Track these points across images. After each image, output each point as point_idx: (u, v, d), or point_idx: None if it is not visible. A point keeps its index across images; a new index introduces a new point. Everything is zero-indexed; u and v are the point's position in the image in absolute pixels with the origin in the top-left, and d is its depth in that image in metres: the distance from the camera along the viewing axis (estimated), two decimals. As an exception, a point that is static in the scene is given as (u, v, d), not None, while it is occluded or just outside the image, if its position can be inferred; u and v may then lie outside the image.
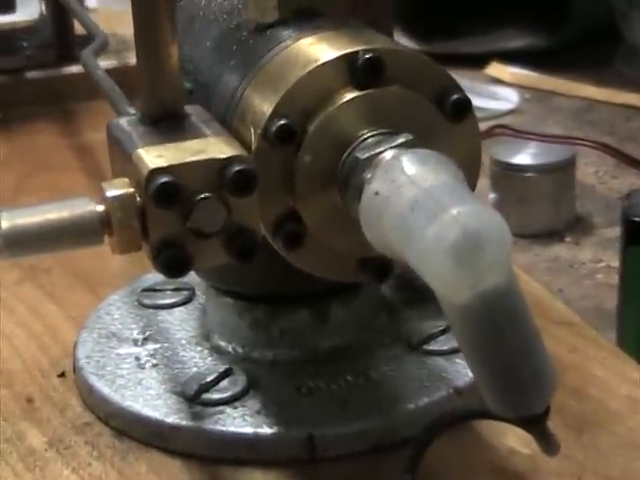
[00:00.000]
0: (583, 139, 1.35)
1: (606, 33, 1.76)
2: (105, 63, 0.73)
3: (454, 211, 0.32)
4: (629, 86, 1.65)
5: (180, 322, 0.51)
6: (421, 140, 0.38)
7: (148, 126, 0.41)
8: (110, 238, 0.38)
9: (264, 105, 0.39)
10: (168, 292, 0.53)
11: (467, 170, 0.37)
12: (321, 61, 0.39)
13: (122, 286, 0.54)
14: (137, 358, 0.48)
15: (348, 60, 0.39)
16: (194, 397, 0.45)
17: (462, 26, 1.84)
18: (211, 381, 0.45)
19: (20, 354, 0.52)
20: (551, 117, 1.59)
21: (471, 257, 0.32)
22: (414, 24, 1.80)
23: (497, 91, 1.68)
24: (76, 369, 0.49)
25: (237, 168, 0.37)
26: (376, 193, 0.36)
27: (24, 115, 0.86)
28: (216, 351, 0.48)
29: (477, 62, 1.73)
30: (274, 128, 0.39)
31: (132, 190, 0.38)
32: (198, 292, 0.53)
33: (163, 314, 0.52)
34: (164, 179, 0.37)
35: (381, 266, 0.41)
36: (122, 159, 0.40)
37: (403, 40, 1.69)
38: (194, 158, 0.38)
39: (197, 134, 0.40)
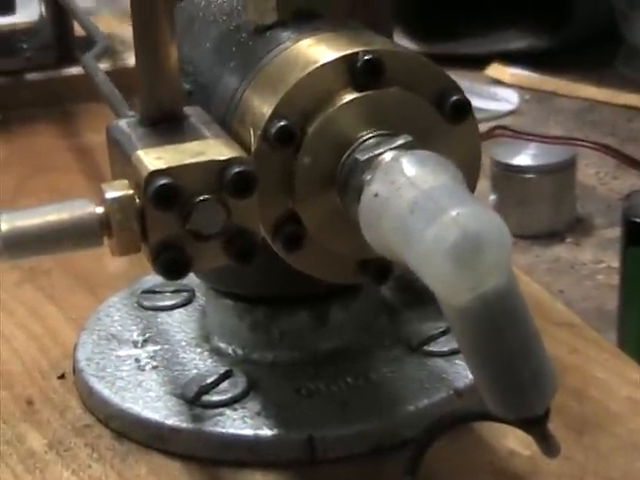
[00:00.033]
0: (584, 140, 1.35)
1: (607, 34, 1.76)
2: (105, 65, 0.73)
3: (454, 213, 0.32)
4: (630, 87, 1.65)
5: (180, 324, 0.51)
6: (421, 141, 0.38)
7: (147, 128, 0.41)
8: (109, 240, 0.38)
9: (264, 106, 0.39)
10: (168, 294, 0.53)
11: (467, 171, 0.37)
12: (320, 62, 0.39)
13: (122, 288, 0.54)
14: (137, 360, 0.48)
15: (347, 61, 0.39)
16: (194, 399, 0.45)
17: (462, 27, 1.84)
18: (211, 383, 0.45)
19: (20, 356, 0.52)
20: (552, 118, 1.59)
21: (471, 259, 0.32)
22: (414, 25, 1.80)
23: (497, 92, 1.68)
24: (76, 371, 0.49)
25: (237, 170, 0.37)
26: (376, 195, 0.36)
27: (24, 117, 0.86)
28: (216, 353, 0.48)
29: (477, 63, 1.73)
30: (274, 129, 0.39)
31: (131, 192, 0.38)
32: (198, 294, 0.53)
33: (163, 316, 0.52)
34: (163, 181, 0.37)
35: (381, 268, 0.41)
36: (121, 161, 0.40)
37: (403, 41, 1.69)
38: (193, 160, 0.38)
39: (196, 136, 0.40)
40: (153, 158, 0.38)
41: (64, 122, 0.87)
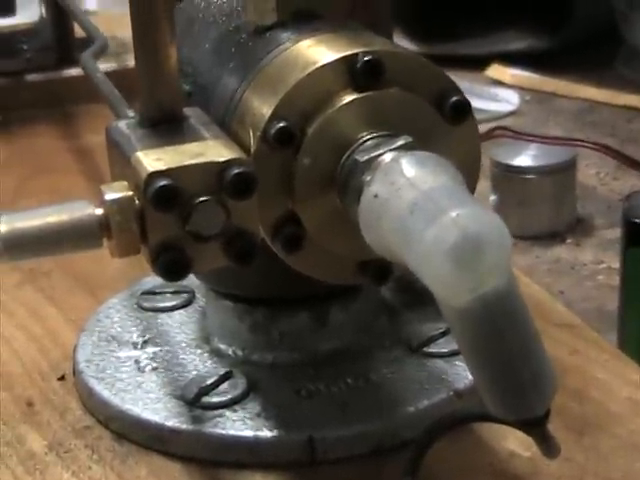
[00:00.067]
0: (584, 141, 1.35)
1: (607, 35, 1.76)
2: (104, 66, 0.73)
3: (453, 213, 0.32)
4: (630, 87, 1.65)
5: (180, 325, 0.51)
6: (420, 142, 0.38)
7: (147, 129, 0.41)
8: (109, 241, 0.38)
9: (263, 107, 0.39)
10: (168, 295, 0.53)
11: (467, 172, 0.37)
12: (320, 63, 0.39)
13: (122, 289, 0.54)
14: (137, 361, 0.48)
15: (347, 62, 0.39)
16: (194, 400, 0.45)
17: (461, 28, 1.84)
18: (211, 384, 0.45)
19: (20, 357, 0.52)
20: (552, 119, 1.59)
21: (471, 260, 0.32)
22: (414, 26, 1.80)
23: (497, 93, 1.68)
24: (76, 372, 0.49)
25: (236, 171, 0.37)
26: (375, 196, 0.36)
27: (24, 118, 0.86)
28: (216, 354, 0.48)
29: (477, 64, 1.73)
30: (273, 130, 0.39)
31: (131, 193, 0.38)
32: (198, 295, 0.53)
33: (163, 317, 0.52)
34: (163, 182, 0.37)
35: (380, 269, 0.41)
36: (121, 162, 0.40)
37: (403, 42, 1.69)
38: (193, 161, 0.38)
39: (196, 137, 0.40)
40: (153, 159, 0.38)
41: (64, 123, 0.87)
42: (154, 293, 0.53)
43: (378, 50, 0.39)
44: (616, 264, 1.04)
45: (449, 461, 0.43)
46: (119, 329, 0.51)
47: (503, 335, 0.34)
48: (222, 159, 0.38)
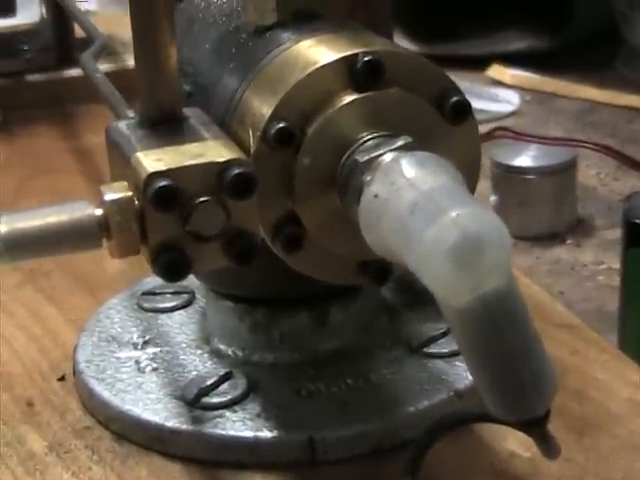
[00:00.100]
0: (584, 141, 1.35)
1: (607, 35, 1.76)
2: (104, 66, 0.73)
3: (453, 214, 0.32)
4: (630, 88, 1.65)
5: (180, 325, 0.51)
6: (420, 142, 0.38)
7: (147, 129, 0.41)
8: (109, 242, 0.38)
9: (263, 107, 0.39)
10: (168, 295, 0.53)
11: (467, 172, 0.37)
12: (320, 63, 0.39)
13: (122, 289, 0.54)
14: (137, 362, 0.48)
15: (347, 62, 0.39)
16: (194, 401, 0.45)
17: (462, 28, 1.84)
18: (211, 385, 0.45)
19: (20, 357, 0.52)
20: (552, 119, 1.59)
21: (471, 260, 0.32)
22: (414, 26, 1.80)
23: (498, 93, 1.68)
24: (76, 373, 0.49)
25: (236, 171, 0.37)
26: (375, 196, 0.36)
27: (24, 118, 0.86)
28: (216, 354, 0.48)
29: (478, 64, 1.73)
30: (273, 131, 0.39)
31: (131, 194, 0.38)
32: (198, 295, 0.53)
33: (163, 317, 0.52)
34: (163, 183, 0.37)
35: (381, 269, 0.41)
36: (121, 162, 0.40)
37: (403, 42, 1.69)
38: (193, 161, 0.38)
39: (196, 137, 0.40)
40: (152, 160, 0.38)
41: (64, 123, 0.87)
42: (154, 294, 0.53)
43: (378, 50, 0.39)
44: (616, 265, 1.04)
45: (449, 461, 0.42)
46: (119, 329, 0.51)
47: (503, 335, 0.34)
48: (222, 159, 0.38)
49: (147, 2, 0.40)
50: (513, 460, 0.43)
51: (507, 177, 1.25)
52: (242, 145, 0.39)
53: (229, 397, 0.45)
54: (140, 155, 0.38)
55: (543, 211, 1.25)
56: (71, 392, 0.49)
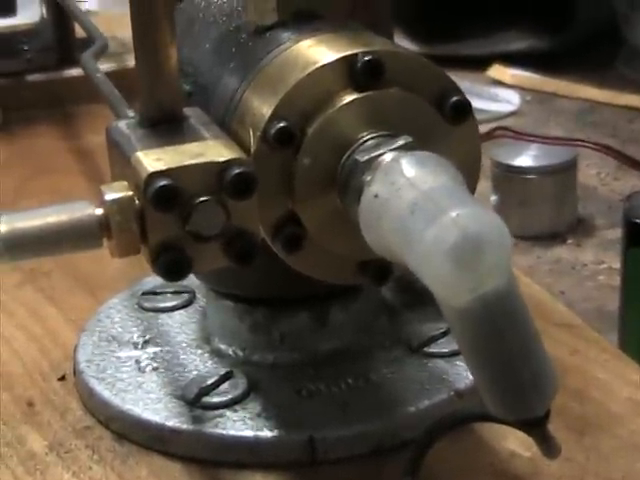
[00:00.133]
0: (585, 141, 1.35)
1: (608, 35, 1.76)
2: (105, 66, 0.73)
3: (453, 213, 0.32)
4: (631, 88, 1.65)
5: (180, 325, 0.51)
6: (421, 142, 0.38)
7: (147, 129, 0.41)
8: (109, 241, 0.38)
9: (263, 107, 0.39)
10: (168, 295, 0.53)
11: (467, 172, 0.37)
12: (320, 63, 0.39)
13: (122, 289, 0.54)
14: (137, 361, 0.48)
15: (347, 62, 0.39)
16: (194, 400, 0.45)
17: (463, 28, 1.84)
18: (211, 384, 0.45)
19: (20, 357, 0.52)
20: (553, 119, 1.59)
21: (471, 260, 0.32)
22: (415, 26, 1.80)
23: (498, 93, 1.68)
24: (76, 372, 0.49)
25: (236, 171, 0.37)
26: (375, 196, 0.35)
27: (25, 118, 0.86)
28: (216, 354, 0.48)
29: (478, 64, 1.73)
30: (273, 130, 0.39)
31: (131, 193, 0.38)
32: (198, 295, 0.53)
33: (163, 317, 0.52)
34: (163, 182, 0.37)
35: (381, 269, 0.41)
36: (121, 162, 0.40)
37: (404, 42, 1.69)
38: (193, 161, 0.38)
39: (196, 137, 0.40)
40: (153, 159, 0.38)
41: (65, 124, 0.87)
42: (155, 293, 0.53)
43: (378, 50, 0.39)
44: (617, 264, 1.04)
45: (449, 461, 0.42)
46: (120, 329, 0.51)
47: (503, 335, 0.34)
48: (222, 159, 0.38)
49: (147, 2, 0.40)
50: (513, 460, 0.43)
51: (507, 177, 1.25)
52: (242, 145, 0.39)
53: (229, 397, 0.45)
54: (140, 155, 0.38)
55: (543, 211, 1.25)
56: (71, 392, 0.49)
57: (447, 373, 0.46)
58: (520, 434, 0.37)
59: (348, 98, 0.39)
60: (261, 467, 0.43)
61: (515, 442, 0.43)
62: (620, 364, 0.49)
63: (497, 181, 1.26)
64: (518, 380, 0.35)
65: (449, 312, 0.34)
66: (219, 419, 0.44)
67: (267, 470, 0.43)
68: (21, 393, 0.49)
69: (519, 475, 0.42)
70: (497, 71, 1.75)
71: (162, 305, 0.52)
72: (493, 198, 1.26)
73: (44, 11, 0.92)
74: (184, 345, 0.49)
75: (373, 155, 0.37)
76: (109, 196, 0.38)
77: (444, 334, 0.48)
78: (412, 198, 0.34)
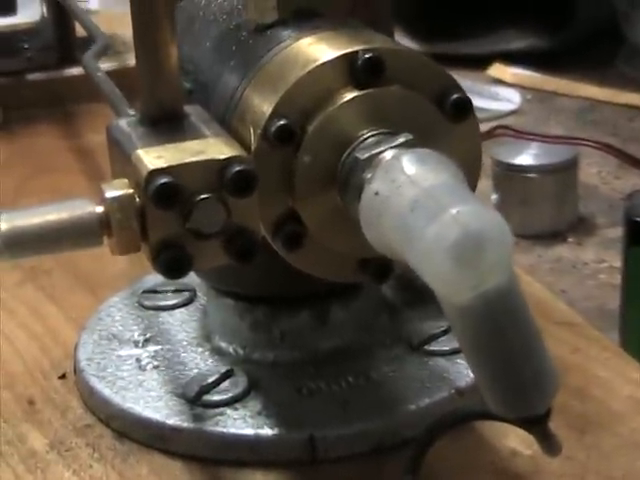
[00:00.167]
0: (586, 139, 1.35)
1: (608, 34, 1.76)
2: (105, 65, 0.73)
3: (454, 211, 0.32)
4: (631, 86, 1.65)
5: (181, 323, 0.51)
6: (421, 140, 0.38)
7: (147, 127, 0.41)
8: (109, 239, 0.38)
9: (264, 105, 0.39)
10: (169, 293, 0.53)
11: (467, 170, 0.37)
12: (320, 61, 0.39)
13: (123, 288, 0.54)
14: (138, 360, 0.48)
15: (348, 60, 0.39)
16: (195, 399, 0.45)
17: (463, 27, 1.84)
18: (212, 382, 0.45)
19: (21, 356, 0.52)
20: (553, 118, 1.59)
21: (472, 257, 0.32)
22: (415, 25, 1.80)
23: (499, 92, 1.68)
24: (77, 371, 0.49)
25: (237, 169, 0.37)
26: (376, 193, 0.35)
27: (25, 117, 0.86)
28: (217, 352, 0.48)
29: (479, 63, 1.73)
30: (274, 128, 0.38)
31: (131, 191, 0.38)
32: (199, 293, 0.53)
33: (164, 315, 0.52)
34: (163, 180, 0.37)
35: (381, 267, 0.41)
36: (121, 160, 0.40)
37: (404, 41, 1.69)
38: (193, 159, 0.38)
39: (196, 134, 0.40)
40: (153, 157, 0.38)
41: (65, 122, 0.87)
42: (155, 292, 0.53)
43: (379, 48, 0.39)
44: (618, 263, 1.04)
45: (450, 459, 0.42)
46: (120, 327, 0.51)
47: (504, 333, 0.34)
48: (223, 157, 0.38)
49: (148, 1, 0.40)
50: (514, 458, 0.43)
51: (508, 176, 1.25)
52: (243, 143, 0.39)
53: (230, 395, 0.45)
54: (141, 152, 0.38)
55: (544, 209, 1.25)
56: (72, 390, 0.49)
57: (448, 371, 0.46)
58: (521, 432, 0.37)
59: (348, 96, 0.39)
60: (261, 465, 0.43)
61: (516, 440, 0.43)
62: (621, 362, 0.49)
63: (498, 180, 1.26)
64: (519, 378, 0.35)
65: (450, 310, 0.34)
66: (220, 417, 0.44)
67: (267, 468, 0.43)
68: (22, 391, 0.49)
69: (520, 473, 0.42)
70: (497, 70, 1.75)
71: (163, 303, 0.52)
72: (494, 197, 1.26)
73: (44, 10, 0.92)
74: (185, 343, 0.49)
75: (373, 153, 0.37)
76: (109, 194, 0.38)
77: (445, 332, 0.48)
78: (413, 195, 0.34)
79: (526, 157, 1.26)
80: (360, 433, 0.43)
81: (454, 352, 0.47)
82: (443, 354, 0.47)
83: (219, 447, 0.44)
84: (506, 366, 0.34)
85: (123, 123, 0.42)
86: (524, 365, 0.34)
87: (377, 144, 0.38)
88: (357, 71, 0.39)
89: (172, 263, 0.38)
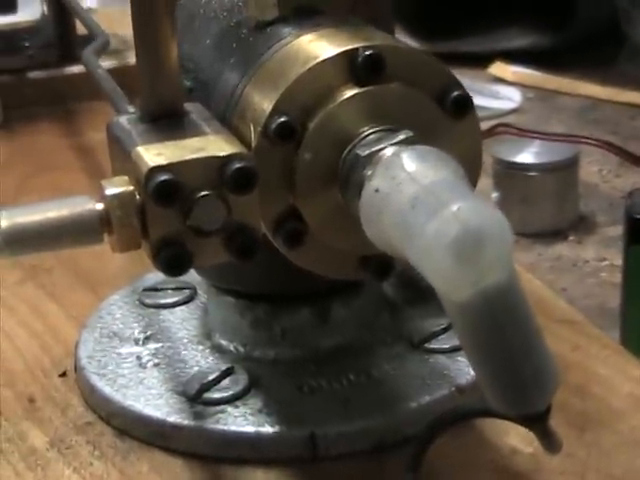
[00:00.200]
0: (586, 137, 1.35)
1: (610, 33, 1.76)
2: (106, 63, 0.73)
3: (454, 207, 0.32)
4: (633, 85, 1.65)
5: (181, 321, 0.51)
6: (422, 137, 0.38)
7: (148, 124, 0.41)
8: (110, 236, 0.38)
9: (264, 102, 0.39)
10: (169, 291, 0.53)
11: (468, 167, 0.37)
12: (321, 58, 0.39)
13: (123, 286, 0.54)
14: (138, 357, 0.48)
15: (348, 57, 0.39)
16: (196, 396, 0.45)
17: (464, 26, 1.84)
18: (212, 380, 0.45)
19: (22, 354, 0.52)
20: (554, 116, 1.59)
21: (472, 254, 0.32)
22: (416, 24, 1.80)
23: (500, 90, 1.68)
24: (77, 369, 0.49)
25: (237, 166, 0.37)
26: (376, 190, 0.35)
27: (26, 115, 0.86)
28: (217, 350, 0.48)
29: (479, 61, 1.73)
30: (274, 125, 0.38)
31: (132, 188, 0.38)
32: (199, 291, 0.53)
33: (164, 313, 0.52)
34: (164, 177, 0.37)
35: (382, 264, 0.41)
36: (122, 157, 0.40)
37: (405, 40, 1.69)
38: (194, 156, 0.38)
39: (197, 132, 0.40)
40: (153, 154, 0.38)
41: (66, 121, 0.87)
42: (156, 289, 0.53)
43: (379, 45, 0.39)
44: (618, 261, 1.04)
45: (451, 457, 0.42)
46: (121, 325, 0.51)
47: (504, 330, 0.34)
48: (223, 154, 0.38)
49: (148, -2, 0.40)
50: (515, 456, 0.43)
51: (509, 174, 1.25)
52: (243, 140, 0.39)
53: (231, 392, 0.45)
54: (141, 149, 0.38)
55: (545, 208, 1.25)
56: (72, 388, 0.49)
57: (448, 369, 0.46)
58: (521, 430, 0.37)
59: (349, 93, 0.39)
60: (262, 463, 0.43)
61: (516, 438, 0.43)
62: (621, 360, 0.49)
63: (498, 178, 1.26)
64: (519, 375, 0.35)
65: (450, 307, 0.34)
66: (220, 415, 0.44)
67: (268, 466, 0.43)
68: (22, 389, 0.49)
69: (520, 471, 0.42)
70: (498, 68, 1.75)
71: (163, 301, 0.52)
72: (494, 195, 1.26)
73: (45, 8, 0.92)
74: (185, 341, 0.49)
75: (374, 150, 0.37)
76: (110, 191, 0.38)
77: (445, 330, 0.48)
78: (413, 192, 0.34)
79: (527, 155, 1.26)
80: (361, 431, 0.43)
81: (455, 350, 0.47)
82: (444, 352, 0.47)
83: (220, 445, 0.44)
84: (506, 363, 0.34)
85: (123, 120, 0.42)
86: (524, 362, 0.34)
87: (377, 141, 0.38)
88: (357, 68, 0.39)
89: (172, 260, 0.38)
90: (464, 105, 0.40)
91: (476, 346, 0.35)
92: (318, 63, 0.39)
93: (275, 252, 0.41)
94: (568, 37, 1.77)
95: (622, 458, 0.43)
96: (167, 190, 0.37)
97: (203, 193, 0.37)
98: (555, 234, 1.25)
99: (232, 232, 0.38)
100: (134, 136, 0.40)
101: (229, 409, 0.44)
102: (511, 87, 1.70)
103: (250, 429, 0.43)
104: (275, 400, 0.45)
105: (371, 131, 0.38)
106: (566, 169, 1.25)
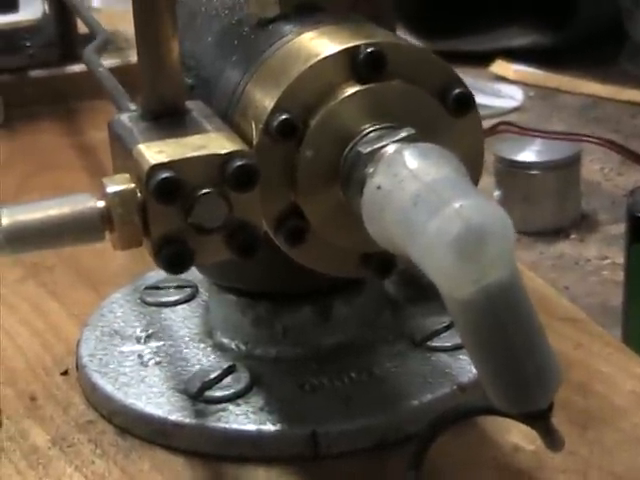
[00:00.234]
0: (588, 136, 1.35)
1: (611, 31, 1.76)
2: (107, 62, 0.73)
3: (456, 205, 0.32)
4: (634, 83, 1.65)
5: (183, 319, 0.51)
6: (423, 134, 0.38)
7: (149, 122, 0.41)
8: (111, 234, 0.38)
9: (265, 100, 0.39)
10: (171, 289, 0.53)
11: (470, 165, 0.37)
12: (322, 55, 0.39)
13: (125, 284, 0.54)
14: (140, 356, 0.48)
15: (349, 54, 0.39)
16: (197, 394, 0.45)
17: (465, 24, 1.84)
18: (214, 378, 0.45)
19: (23, 352, 0.52)
20: (556, 114, 1.59)
21: (474, 251, 0.32)
22: (417, 22, 1.80)
23: (501, 89, 1.68)
24: (79, 367, 0.49)
25: (238, 163, 0.37)
26: (378, 187, 0.35)
27: (27, 114, 0.86)
28: (219, 348, 0.48)
29: (481, 60, 1.73)
30: (276, 123, 0.38)
31: (133, 186, 0.38)
32: (201, 289, 0.53)
33: (166, 312, 0.52)
34: (165, 174, 0.37)
35: (384, 262, 0.41)
36: (123, 155, 0.40)
37: (406, 38, 1.69)
38: (195, 153, 0.38)
39: (198, 129, 0.39)
40: (155, 152, 0.38)
41: (68, 119, 0.87)
42: (157, 288, 0.53)
43: (380, 42, 0.39)
44: (620, 259, 1.04)
45: (453, 455, 0.42)
46: (122, 324, 0.51)
47: (506, 327, 0.34)
48: (224, 151, 0.38)
49: (149, -4, 0.40)
50: (517, 453, 0.43)
51: (511, 172, 1.25)
52: (245, 138, 0.39)
53: (232, 391, 0.45)
54: (142, 147, 0.38)
55: (547, 206, 1.25)
56: (74, 386, 0.49)
57: (450, 367, 0.46)
58: (524, 427, 0.37)
59: (350, 90, 0.39)
60: (264, 461, 0.43)
61: (519, 436, 0.43)
62: (623, 358, 0.49)
63: (500, 176, 1.26)
64: (521, 373, 0.34)
65: (452, 304, 0.34)
66: (222, 413, 0.44)
67: (270, 464, 0.43)
68: (24, 388, 0.49)
69: (523, 469, 0.42)
70: (500, 67, 1.74)
71: (165, 299, 0.52)
72: (496, 193, 1.26)
73: (46, 7, 0.92)
74: (187, 339, 0.49)
75: (376, 147, 0.37)
76: (111, 188, 0.38)
77: (447, 328, 0.48)
78: (415, 190, 0.34)
79: (529, 154, 1.26)
80: (363, 429, 0.43)
81: (456, 348, 0.47)
82: (445, 350, 0.47)
83: (221, 443, 0.44)
84: (508, 361, 0.34)
85: (125, 118, 0.42)
86: (526, 360, 0.34)
87: (379, 138, 0.38)
88: (359, 65, 0.39)
89: (174, 258, 0.38)
90: (466, 103, 0.40)
91: (478, 344, 0.35)
92: (319, 60, 0.39)
93: (276, 250, 0.41)
94: (570, 36, 1.77)
95: (624, 456, 0.43)
96: (168, 188, 0.37)
97: (204, 191, 0.37)
98: (557, 232, 1.25)
99: (233, 230, 0.38)
100: (135, 134, 0.40)
101: (230, 407, 0.44)
102: (513, 85, 1.70)
103: (251, 427, 0.43)
104: (277, 398, 0.45)
105: (373, 128, 0.38)
106: (568, 167, 1.25)
